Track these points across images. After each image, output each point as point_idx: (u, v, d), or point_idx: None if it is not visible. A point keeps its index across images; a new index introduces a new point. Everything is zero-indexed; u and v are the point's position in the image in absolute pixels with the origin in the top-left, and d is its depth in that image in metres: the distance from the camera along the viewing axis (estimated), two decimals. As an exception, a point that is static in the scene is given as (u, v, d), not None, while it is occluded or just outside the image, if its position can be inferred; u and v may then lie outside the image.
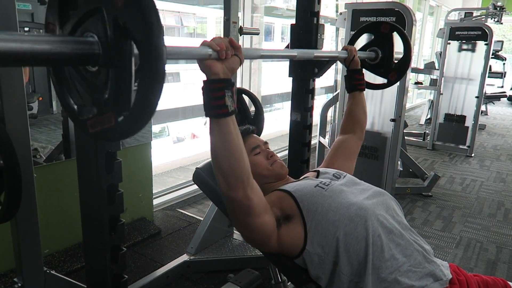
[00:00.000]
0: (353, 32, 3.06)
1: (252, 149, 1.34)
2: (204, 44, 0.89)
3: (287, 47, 1.90)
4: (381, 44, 1.68)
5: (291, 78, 1.91)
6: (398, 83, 3.02)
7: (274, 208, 1.13)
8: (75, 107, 0.72)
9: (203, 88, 0.91)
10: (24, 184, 1.15)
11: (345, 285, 1.08)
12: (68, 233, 2.27)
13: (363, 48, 1.72)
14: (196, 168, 1.47)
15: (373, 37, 1.72)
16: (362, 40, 1.89)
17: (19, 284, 1.37)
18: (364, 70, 1.62)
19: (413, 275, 1.04)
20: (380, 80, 1.78)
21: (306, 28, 1.77)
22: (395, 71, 1.69)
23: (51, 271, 1.48)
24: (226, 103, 0.90)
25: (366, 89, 1.62)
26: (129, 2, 0.58)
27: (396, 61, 1.69)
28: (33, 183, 1.32)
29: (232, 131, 0.94)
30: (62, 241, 2.31)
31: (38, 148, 2.35)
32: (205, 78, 0.91)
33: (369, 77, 1.71)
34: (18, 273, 1.37)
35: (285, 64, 1.92)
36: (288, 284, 1.61)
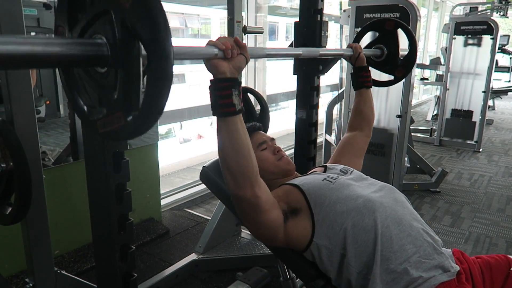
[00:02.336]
0: (357, 30, 3.05)
1: (259, 145, 1.35)
2: (210, 43, 0.89)
3: (291, 45, 1.91)
4: (386, 41, 1.68)
5: (296, 76, 1.91)
6: (403, 79, 3.03)
7: (281, 202, 1.14)
8: (85, 108, 0.73)
9: (210, 88, 0.91)
10: (33, 186, 1.17)
11: (353, 277, 1.08)
12: (78, 234, 2.30)
13: (368, 46, 1.72)
14: (203, 166, 1.48)
15: (377, 34, 1.72)
16: (367, 38, 1.89)
17: (31, 284, 1.38)
18: (370, 68, 1.62)
19: (422, 266, 1.04)
20: (386, 77, 1.78)
21: (310, 25, 1.78)
22: (401, 67, 1.69)
23: (62, 271, 1.50)
24: (233, 101, 0.91)
25: (372, 86, 1.62)
26: (136, 3, 0.58)
27: (401, 58, 1.68)
28: (42, 184, 1.33)
29: (239, 130, 0.94)
30: (72, 242, 2.33)
31: (47, 151, 2.37)
32: (212, 78, 0.91)
33: (375, 74, 1.70)
34: (30, 273, 1.39)
35: (290, 63, 1.93)
36: (297, 280, 1.62)
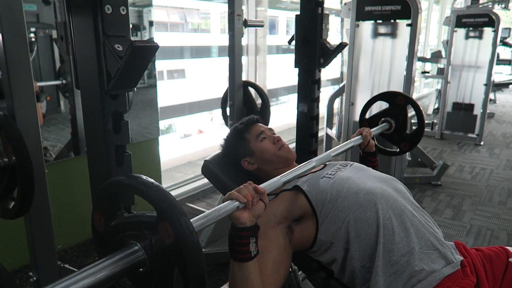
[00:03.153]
0: (358, 23, 3.05)
1: (257, 136, 1.35)
2: (232, 196, 0.92)
3: (291, 38, 1.90)
4: (395, 115, 1.73)
5: (297, 70, 1.91)
6: (404, 72, 3.02)
7: (283, 222, 1.13)
8: None
9: (229, 233, 0.94)
10: (36, 180, 1.17)
11: (356, 270, 1.08)
12: (80, 229, 2.30)
13: (377, 116, 1.76)
14: (205, 160, 1.48)
15: (388, 105, 1.76)
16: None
17: (34, 278, 1.39)
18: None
19: (425, 257, 1.04)
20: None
21: (310, 18, 1.77)
22: (407, 142, 1.75)
23: (65, 265, 1.51)
24: (249, 249, 0.94)
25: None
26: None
27: (408, 132, 1.73)
28: (44, 179, 1.33)
29: (252, 273, 0.96)
30: (75, 237, 2.34)
31: (48, 146, 2.37)
32: (232, 224, 0.94)
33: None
34: (33, 267, 1.40)
35: (291, 57, 1.92)
36: (299, 273, 1.62)
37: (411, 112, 1.78)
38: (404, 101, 1.71)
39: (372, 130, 1.60)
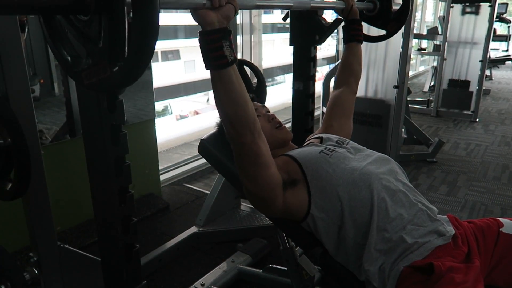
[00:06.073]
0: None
1: None
2: None
3: (286, 15, 1.87)
4: None
5: (292, 47, 1.89)
6: (400, 49, 3.00)
7: (281, 171, 1.13)
8: (69, 58, 0.71)
9: (200, 40, 0.89)
10: (32, 161, 1.17)
11: (349, 247, 1.10)
12: (79, 210, 2.32)
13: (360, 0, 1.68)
14: (201, 139, 1.48)
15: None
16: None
17: (35, 258, 1.41)
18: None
19: (418, 233, 1.06)
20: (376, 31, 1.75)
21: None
22: (394, 21, 1.66)
23: (65, 245, 1.52)
24: (224, 53, 0.88)
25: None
26: None
27: (394, 12, 1.65)
28: (41, 160, 1.33)
29: (234, 81, 0.92)
30: (73, 218, 2.35)
31: (43, 129, 2.36)
32: (200, 30, 0.88)
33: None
34: (33, 248, 1.41)
35: (286, 37, 1.90)
36: (296, 249, 1.65)
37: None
38: None
39: (356, 6, 1.53)
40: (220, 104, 0.96)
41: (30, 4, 0.58)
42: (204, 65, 0.91)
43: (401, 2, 1.67)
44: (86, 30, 0.65)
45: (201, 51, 0.89)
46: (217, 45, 0.87)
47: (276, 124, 1.33)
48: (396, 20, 1.66)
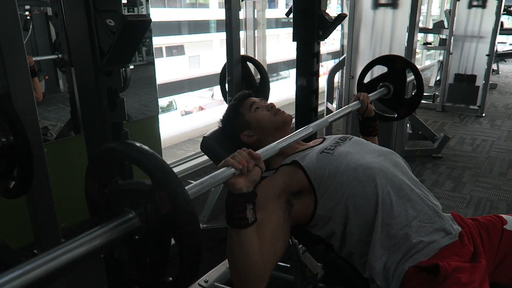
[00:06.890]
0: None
1: (250, 107, 1.35)
2: (227, 163, 0.90)
3: (289, 10, 1.86)
4: (393, 79, 1.69)
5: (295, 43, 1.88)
6: (406, 44, 2.97)
7: (282, 196, 1.13)
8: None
9: (226, 199, 0.93)
10: (35, 159, 1.17)
11: (354, 243, 1.09)
12: (84, 206, 2.32)
13: (375, 80, 1.72)
14: (204, 137, 1.48)
15: (386, 69, 1.71)
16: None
17: (39, 255, 1.41)
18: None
19: (423, 230, 1.05)
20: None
21: (309, -12, 1.73)
22: (405, 107, 1.71)
23: (69, 242, 1.53)
24: (247, 215, 0.92)
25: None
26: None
27: (406, 97, 1.70)
28: (44, 158, 1.34)
29: (249, 240, 0.96)
30: (78, 215, 2.36)
31: (48, 126, 2.37)
32: (229, 189, 0.92)
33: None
34: (37, 244, 1.42)
35: (291, 31, 1.88)
36: (299, 246, 1.64)
37: (410, 77, 1.75)
38: (404, 65, 1.67)
39: (370, 95, 1.57)
40: (232, 259, 0.99)
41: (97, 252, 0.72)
42: (226, 220, 0.96)
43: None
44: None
45: (226, 208, 0.94)
46: (241, 208, 0.92)
47: (275, 111, 1.35)
48: (407, 106, 1.72)
